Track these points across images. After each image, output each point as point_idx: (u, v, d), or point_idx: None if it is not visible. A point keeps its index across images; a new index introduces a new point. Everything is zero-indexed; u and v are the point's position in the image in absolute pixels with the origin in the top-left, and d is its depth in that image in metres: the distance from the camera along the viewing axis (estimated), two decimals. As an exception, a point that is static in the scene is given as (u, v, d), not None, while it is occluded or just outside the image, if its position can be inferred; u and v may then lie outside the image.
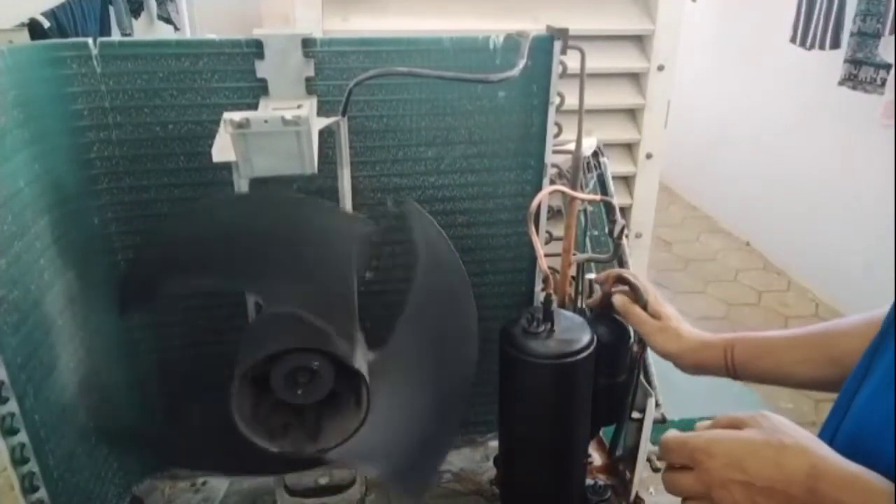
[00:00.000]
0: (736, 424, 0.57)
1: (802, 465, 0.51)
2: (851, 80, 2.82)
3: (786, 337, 0.83)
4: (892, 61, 2.63)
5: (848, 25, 2.83)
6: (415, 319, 0.78)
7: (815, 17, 3.01)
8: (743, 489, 0.53)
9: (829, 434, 0.64)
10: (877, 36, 2.68)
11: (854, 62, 2.79)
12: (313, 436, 0.75)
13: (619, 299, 0.90)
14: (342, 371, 0.72)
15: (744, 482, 0.53)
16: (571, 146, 0.96)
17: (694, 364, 0.86)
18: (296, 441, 0.75)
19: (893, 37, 2.60)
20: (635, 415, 0.91)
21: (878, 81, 2.73)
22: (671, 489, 0.60)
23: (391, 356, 0.78)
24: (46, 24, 2.63)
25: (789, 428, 0.55)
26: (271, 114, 0.66)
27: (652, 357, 0.93)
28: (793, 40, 3.15)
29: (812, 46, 3.04)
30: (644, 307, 0.88)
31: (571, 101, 0.93)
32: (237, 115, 0.65)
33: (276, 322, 0.77)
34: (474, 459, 1.09)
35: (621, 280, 0.91)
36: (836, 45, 2.93)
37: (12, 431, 0.69)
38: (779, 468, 0.51)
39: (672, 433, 0.61)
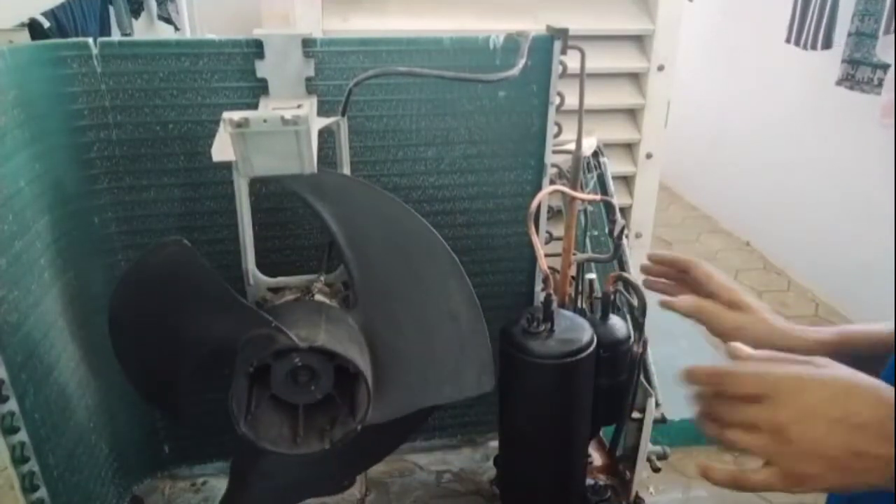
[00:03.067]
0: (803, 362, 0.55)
1: (889, 400, 0.50)
2: (849, 80, 2.82)
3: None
4: (889, 61, 2.63)
5: (844, 26, 2.83)
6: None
7: (809, 17, 3.01)
8: (830, 425, 0.50)
9: None
10: (874, 36, 2.67)
11: (851, 62, 2.79)
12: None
13: (687, 300, 0.80)
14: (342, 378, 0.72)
15: (837, 418, 0.50)
16: (571, 146, 0.96)
17: None
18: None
19: (893, 37, 2.59)
20: (635, 415, 0.91)
21: (875, 81, 2.73)
22: (735, 419, 0.54)
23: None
24: (46, 24, 2.63)
25: (851, 371, 0.53)
26: (270, 113, 0.65)
27: (652, 357, 0.93)
28: (788, 40, 3.15)
29: (806, 46, 3.05)
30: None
31: (571, 101, 0.93)
32: (237, 115, 0.65)
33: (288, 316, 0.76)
34: (474, 459, 1.09)
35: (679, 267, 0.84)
36: (827, 45, 2.93)
37: (12, 430, 0.69)
38: (881, 403, 0.50)
39: (733, 364, 0.56)
